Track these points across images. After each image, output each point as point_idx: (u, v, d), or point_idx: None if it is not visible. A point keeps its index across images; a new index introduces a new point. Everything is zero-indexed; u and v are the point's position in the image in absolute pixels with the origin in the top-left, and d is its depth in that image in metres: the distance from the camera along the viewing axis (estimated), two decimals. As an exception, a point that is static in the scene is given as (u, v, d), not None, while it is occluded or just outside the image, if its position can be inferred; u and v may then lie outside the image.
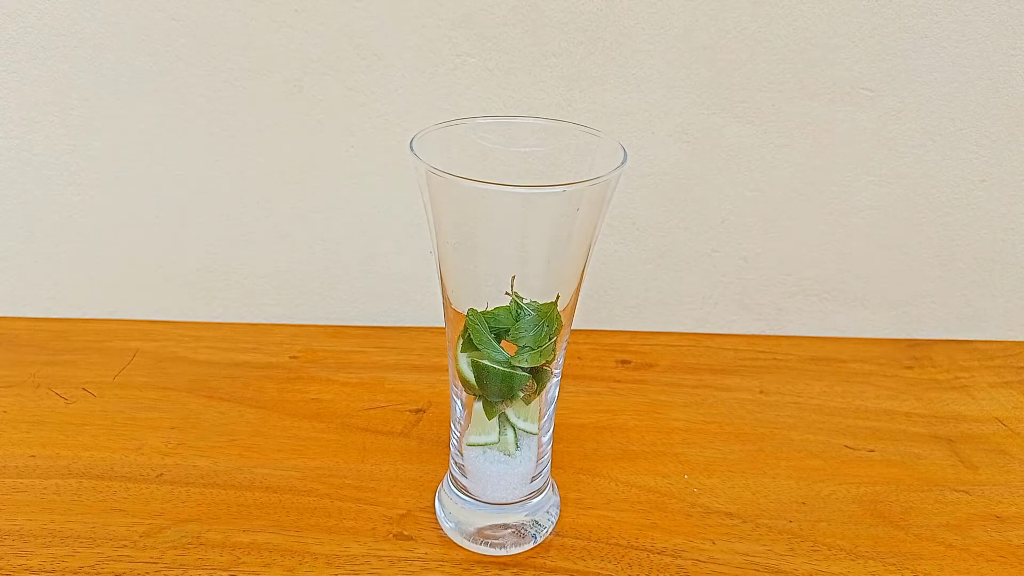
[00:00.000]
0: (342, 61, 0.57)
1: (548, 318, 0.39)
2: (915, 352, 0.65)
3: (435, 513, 0.47)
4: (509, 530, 0.44)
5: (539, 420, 0.43)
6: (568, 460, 0.52)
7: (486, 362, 0.40)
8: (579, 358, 0.63)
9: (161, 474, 0.50)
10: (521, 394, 0.41)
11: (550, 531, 0.46)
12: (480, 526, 0.44)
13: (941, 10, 0.54)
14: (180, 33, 0.56)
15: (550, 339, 0.40)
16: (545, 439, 0.44)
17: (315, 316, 0.67)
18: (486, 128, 0.42)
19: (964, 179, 0.60)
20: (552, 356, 0.41)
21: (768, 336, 0.67)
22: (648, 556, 0.44)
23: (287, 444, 0.53)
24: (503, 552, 0.44)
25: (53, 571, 0.42)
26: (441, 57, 0.56)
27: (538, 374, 0.41)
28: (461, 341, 0.41)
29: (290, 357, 0.63)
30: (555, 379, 0.43)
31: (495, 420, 0.42)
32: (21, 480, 0.49)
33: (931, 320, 0.66)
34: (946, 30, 0.55)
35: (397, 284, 0.66)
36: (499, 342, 0.40)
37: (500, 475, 0.43)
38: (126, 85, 0.58)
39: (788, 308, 0.66)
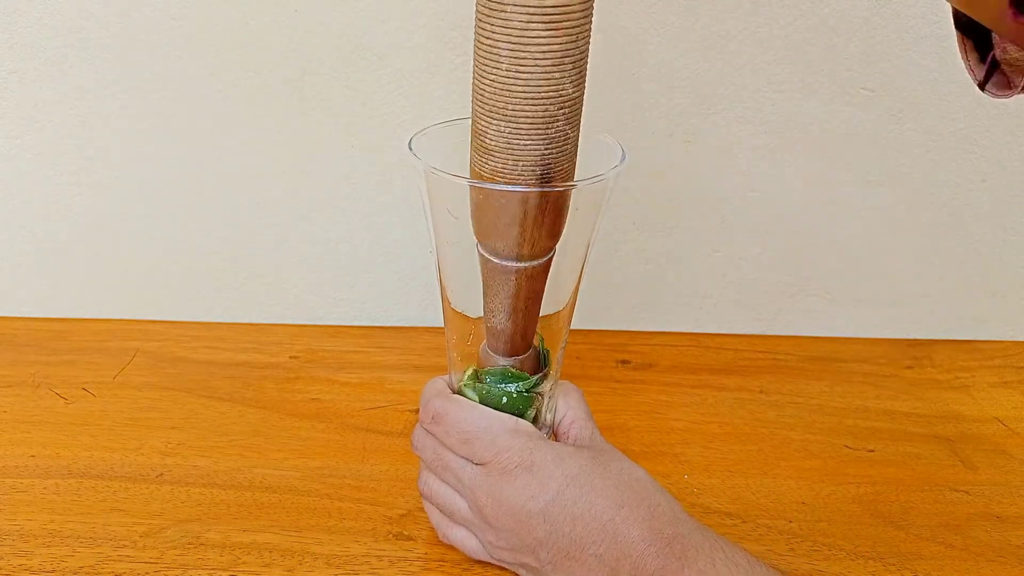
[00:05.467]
0: (342, 61, 0.57)
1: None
2: (915, 352, 0.65)
3: (435, 513, 0.47)
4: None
5: (539, 421, 0.43)
6: (568, 460, 0.52)
7: (491, 387, 0.40)
8: (579, 358, 0.63)
9: (161, 474, 0.50)
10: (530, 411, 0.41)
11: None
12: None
13: (941, 10, 0.54)
14: (180, 33, 0.56)
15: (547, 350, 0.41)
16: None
17: (315, 316, 0.67)
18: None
19: (964, 179, 0.60)
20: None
21: (768, 336, 0.67)
22: (648, 556, 0.44)
23: (287, 444, 0.53)
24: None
25: (53, 571, 0.42)
26: (441, 57, 0.56)
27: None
28: (467, 372, 0.41)
29: (290, 357, 0.63)
30: (555, 380, 0.43)
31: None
32: (21, 480, 0.49)
33: (931, 320, 0.66)
34: (946, 30, 0.55)
35: (397, 284, 0.66)
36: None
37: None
38: (126, 85, 0.58)
39: (788, 308, 0.66)
